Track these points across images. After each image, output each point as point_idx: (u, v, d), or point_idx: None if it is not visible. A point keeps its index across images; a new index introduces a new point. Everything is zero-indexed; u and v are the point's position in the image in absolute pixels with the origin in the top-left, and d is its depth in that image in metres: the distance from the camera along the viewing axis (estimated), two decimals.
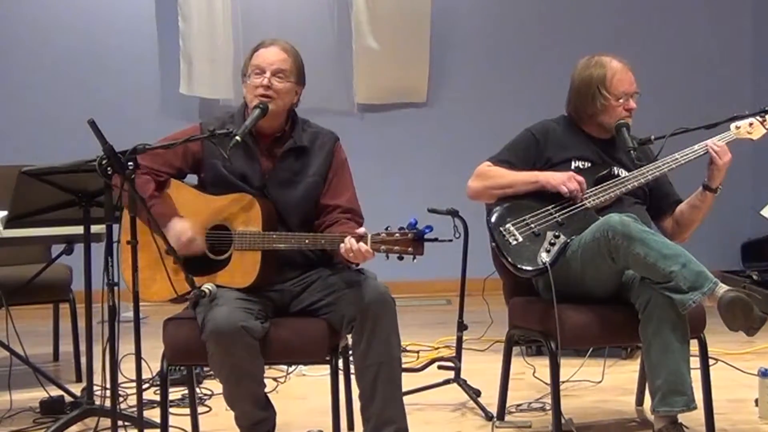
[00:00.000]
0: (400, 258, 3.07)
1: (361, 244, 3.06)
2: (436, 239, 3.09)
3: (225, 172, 3.31)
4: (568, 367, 4.14)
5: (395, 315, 3.18)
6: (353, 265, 3.20)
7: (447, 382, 4.20)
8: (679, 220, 3.70)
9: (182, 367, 4.02)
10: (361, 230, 3.11)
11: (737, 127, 3.65)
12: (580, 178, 3.53)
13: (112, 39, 6.95)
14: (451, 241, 3.34)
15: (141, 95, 6.96)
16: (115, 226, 3.21)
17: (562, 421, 3.45)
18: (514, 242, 3.46)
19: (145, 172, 3.24)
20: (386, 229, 3.08)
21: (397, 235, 3.06)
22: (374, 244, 3.06)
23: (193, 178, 3.43)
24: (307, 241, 3.21)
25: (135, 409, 3.11)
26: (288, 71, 3.32)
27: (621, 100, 3.62)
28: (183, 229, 3.20)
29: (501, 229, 3.49)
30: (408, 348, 5.05)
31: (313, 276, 3.31)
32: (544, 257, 3.39)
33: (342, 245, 3.09)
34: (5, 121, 6.80)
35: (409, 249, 3.05)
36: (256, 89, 3.29)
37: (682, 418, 3.34)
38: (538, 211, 3.52)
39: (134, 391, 3.06)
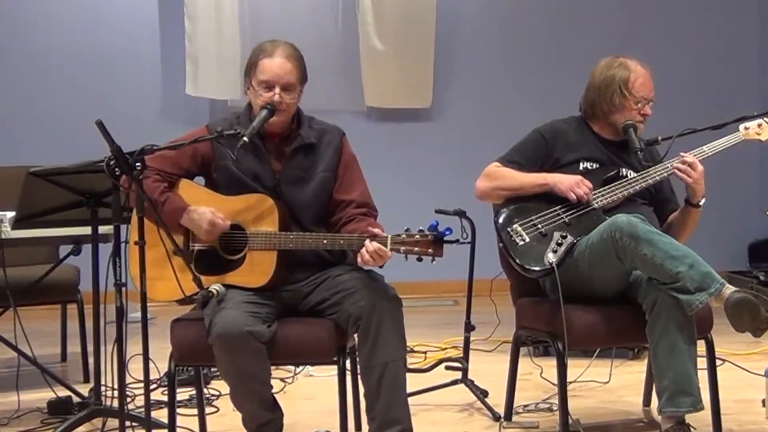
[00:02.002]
0: (419, 259, 3.08)
1: (374, 242, 3.06)
2: (456, 241, 3.10)
3: (238, 173, 3.30)
4: (576, 368, 4.14)
5: (401, 315, 3.18)
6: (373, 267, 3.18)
7: (454, 382, 4.20)
8: (669, 229, 3.69)
9: (190, 368, 4.03)
10: (376, 230, 3.10)
11: (746, 129, 3.65)
12: (588, 184, 3.53)
13: (116, 41, 6.97)
14: (470, 242, 3.35)
15: (144, 97, 6.98)
16: (123, 227, 3.20)
17: (570, 421, 3.44)
18: (521, 242, 3.45)
19: (154, 175, 3.24)
20: (406, 230, 3.08)
21: (417, 236, 3.06)
22: (394, 244, 3.06)
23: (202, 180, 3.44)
24: (325, 241, 3.20)
25: (142, 409, 3.12)
26: (296, 81, 3.30)
27: (639, 104, 3.63)
28: (204, 211, 3.19)
29: (508, 229, 3.49)
30: (415, 348, 5.05)
31: (322, 276, 3.31)
32: (551, 257, 3.39)
33: (359, 257, 3.09)
34: (11, 123, 6.82)
35: (429, 250, 3.05)
36: (266, 103, 3.26)
37: (689, 418, 3.34)
38: (546, 212, 3.52)
39: (142, 391, 3.06)
